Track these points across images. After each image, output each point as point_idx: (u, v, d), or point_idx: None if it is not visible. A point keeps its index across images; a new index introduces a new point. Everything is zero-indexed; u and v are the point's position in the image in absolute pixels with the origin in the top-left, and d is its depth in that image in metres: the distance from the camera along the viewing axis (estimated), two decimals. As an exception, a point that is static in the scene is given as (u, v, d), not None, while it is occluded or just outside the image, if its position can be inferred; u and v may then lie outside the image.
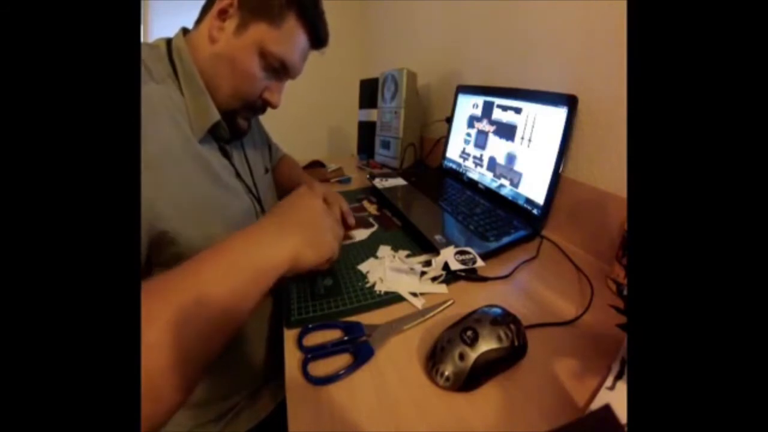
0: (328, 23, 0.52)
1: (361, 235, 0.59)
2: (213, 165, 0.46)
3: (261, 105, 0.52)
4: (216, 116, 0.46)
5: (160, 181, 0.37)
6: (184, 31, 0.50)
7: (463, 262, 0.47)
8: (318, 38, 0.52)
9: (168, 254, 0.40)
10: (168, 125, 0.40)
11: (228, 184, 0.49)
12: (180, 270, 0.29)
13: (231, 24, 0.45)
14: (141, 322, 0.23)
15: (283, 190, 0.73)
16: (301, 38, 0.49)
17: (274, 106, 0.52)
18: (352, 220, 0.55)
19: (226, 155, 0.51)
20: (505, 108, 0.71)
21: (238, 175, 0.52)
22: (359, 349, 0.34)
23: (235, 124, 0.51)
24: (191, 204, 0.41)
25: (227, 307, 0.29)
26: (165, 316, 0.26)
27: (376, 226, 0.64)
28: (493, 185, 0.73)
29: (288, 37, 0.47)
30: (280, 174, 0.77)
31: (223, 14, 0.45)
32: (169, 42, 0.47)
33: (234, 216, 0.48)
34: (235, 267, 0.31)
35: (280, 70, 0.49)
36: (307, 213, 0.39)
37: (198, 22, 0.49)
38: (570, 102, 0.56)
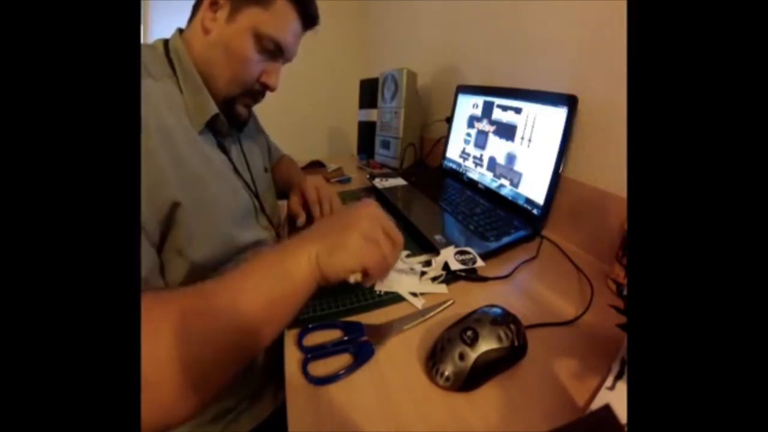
0: (316, 2, 0.53)
1: None
2: (211, 158, 0.47)
3: (260, 89, 0.53)
4: (214, 109, 0.47)
5: (162, 167, 0.38)
6: (180, 31, 0.51)
7: (463, 262, 0.47)
8: (309, 16, 0.52)
9: (171, 245, 0.40)
10: (168, 118, 0.41)
11: (226, 177, 0.49)
12: (216, 282, 0.30)
13: (223, 13, 0.47)
14: (146, 329, 0.23)
15: (280, 189, 0.73)
16: (293, 18, 0.50)
17: (272, 89, 0.53)
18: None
19: (224, 151, 0.51)
20: (505, 108, 0.71)
21: (235, 170, 0.53)
22: (359, 349, 0.34)
23: (234, 112, 0.52)
24: (193, 194, 0.42)
25: (259, 318, 0.29)
26: (189, 331, 0.26)
27: None
28: (493, 185, 0.72)
29: (280, 18, 0.48)
30: (278, 173, 0.77)
31: (214, 5, 0.47)
32: (166, 42, 0.48)
33: (233, 210, 0.48)
34: (269, 276, 0.31)
35: (275, 51, 0.50)
36: (336, 220, 0.37)
37: (190, 20, 0.51)
38: (570, 102, 0.56)
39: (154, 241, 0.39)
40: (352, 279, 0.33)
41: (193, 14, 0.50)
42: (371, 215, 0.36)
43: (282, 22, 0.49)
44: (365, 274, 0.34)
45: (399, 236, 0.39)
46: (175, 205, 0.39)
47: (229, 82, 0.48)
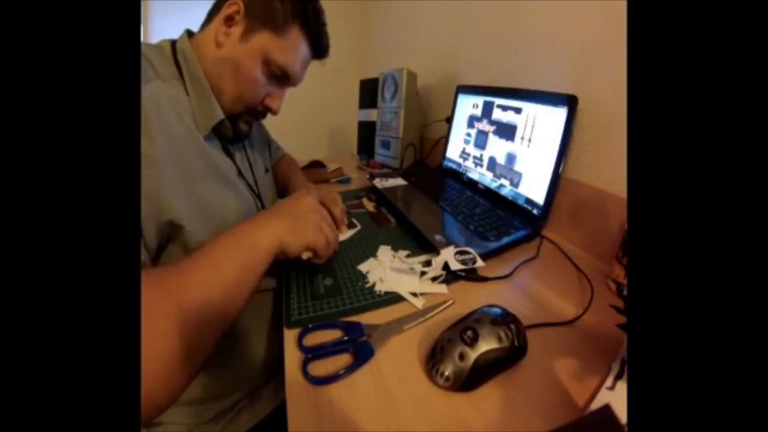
0: (329, 36, 0.54)
1: (343, 235, 0.59)
2: (217, 163, 0.47)
3: (262, 110, 0.53)
4: (220, 115, 0.47)
5: (166, 175, 0.37)
6: (189, 33, 0.50)
7: (463, 262, 0.47)
8: (319, 49, 0.53)
9: (177, 243, 0.41)
10: (174, 122, 0.41)
11: (231, 181, 0.50)
12: (197, 255, 0.35)
13: (237, 30, 0.47)
14: (149, 304, 0.27)
15: (280, 189, 0.73)
16: (303, 48, 0.51)
17: (274, 113, 0.54)
18: (343, 229, 0.59)
19: (229, 154, 0.51)
20: (505, 108, 0.71)
21: (240, 173, 0.53)
22: (359, 349, 0.34)
23: (236, 128, 0.52)
24: (197, 198, 0.42)
25: (234, 283, 0.35)
26: (186, 299, 0.30)
27: (359, 227, 0.63)
28: (493, 185, 0.72)
29: (291, 47, 0.49)
30: (278, 173, 0.77)
31: (229, 20, 0.47)
32: (173, 44, 0.48)
33: (236, 212, 0.49)
34: (240, 246, 0.37)
35: (281, 77, 0.50)
36: (293, 208, 0.44)
37: (204, 25, 0.51)
38: (570, 102, 0.56)
39: (150, 252, 0.39)
40: (305, 256, 0.42)
41: (207, 21, 0.50)
42: (315, 208, 0.45)
43: (292, 51, 0.49)
44: (315, 254, 0.43)
45: (336, 227, 0.52)
46: (179, 224, 0.39)
47: (234, 100, 0.49)
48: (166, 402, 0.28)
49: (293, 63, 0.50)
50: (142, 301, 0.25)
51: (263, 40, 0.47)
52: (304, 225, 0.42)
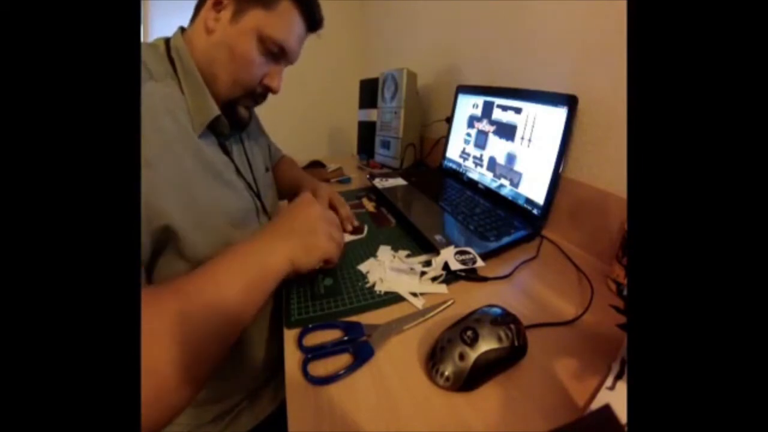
0: (320, 5, 0.53)
1: (345, 238, 0.58)
2: (214, 161, 0.46)
3: (261, 92, 0.52)
4: (215, 111, 0.46)
5: (160, 179, 0.37)
6: (182, 30, 0.50)
7: (463, 262, 0.47)
8: (313, 19, 0.52)
9: (172, 249, 0.40)
10: (168, 123, 0.40)
11: (229, 180, 0.49)
12: (198, 273, 0.33)
13: (226, 13, 0.46)
14: (144, 325, 0.25)
15: (283, 189, 0.73)
16: (297, 21, 0.50)
17: (274, 92, 0.53)
18: (349, 227, 0.60)
19: (227, 152, 0.51)
20: (505, 108, 0.71)
21: (238, 171, 0.53)
22: (359, 349, 0.34)
23: (236, 114, 0.51)
24: (192, 201, 0.41)
25: (240, 303, 0.34)
26: (184, 319, 0.29)
27: (364, 234, 0.62)
28: (493, 185, 0.73)
29: (284, 20, 0.48)
30: (280, 174, 0.77)
31: (218, 5, 0.46)
32: (167, 41, 0.48)
33: (234, 212, 0.48)
34: (244, 269, 0.36)
35: (278, 54, 0.50)
36: (302, 220, 0.43)
37: (193, 18, 0.50)
38: (570, 102, 0.56)
39: (143, 263, 0.38)
40: (318, 266, 0.43)
41: (196, 13, 0.49)
42: (323, 216, 0.45)
43: (286, 25, 0.48)
44: (327, 261, 0.44)
45: (348, 226, 0.59)
46: (173, 230, 0.38)
47: (231, 84, 0.48)
48: (165, 419, 0.28)
49: (288, 37, 0.49)
50: (144, 328, 0.24)
51: (255, 17, 0.46)
52: (316, 239, 0.41)
